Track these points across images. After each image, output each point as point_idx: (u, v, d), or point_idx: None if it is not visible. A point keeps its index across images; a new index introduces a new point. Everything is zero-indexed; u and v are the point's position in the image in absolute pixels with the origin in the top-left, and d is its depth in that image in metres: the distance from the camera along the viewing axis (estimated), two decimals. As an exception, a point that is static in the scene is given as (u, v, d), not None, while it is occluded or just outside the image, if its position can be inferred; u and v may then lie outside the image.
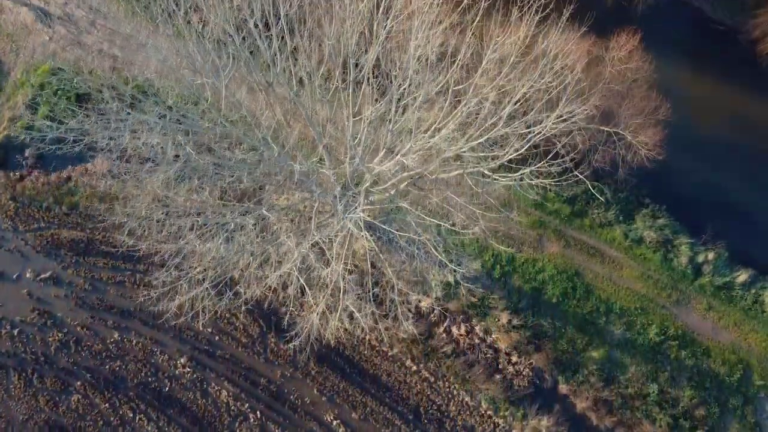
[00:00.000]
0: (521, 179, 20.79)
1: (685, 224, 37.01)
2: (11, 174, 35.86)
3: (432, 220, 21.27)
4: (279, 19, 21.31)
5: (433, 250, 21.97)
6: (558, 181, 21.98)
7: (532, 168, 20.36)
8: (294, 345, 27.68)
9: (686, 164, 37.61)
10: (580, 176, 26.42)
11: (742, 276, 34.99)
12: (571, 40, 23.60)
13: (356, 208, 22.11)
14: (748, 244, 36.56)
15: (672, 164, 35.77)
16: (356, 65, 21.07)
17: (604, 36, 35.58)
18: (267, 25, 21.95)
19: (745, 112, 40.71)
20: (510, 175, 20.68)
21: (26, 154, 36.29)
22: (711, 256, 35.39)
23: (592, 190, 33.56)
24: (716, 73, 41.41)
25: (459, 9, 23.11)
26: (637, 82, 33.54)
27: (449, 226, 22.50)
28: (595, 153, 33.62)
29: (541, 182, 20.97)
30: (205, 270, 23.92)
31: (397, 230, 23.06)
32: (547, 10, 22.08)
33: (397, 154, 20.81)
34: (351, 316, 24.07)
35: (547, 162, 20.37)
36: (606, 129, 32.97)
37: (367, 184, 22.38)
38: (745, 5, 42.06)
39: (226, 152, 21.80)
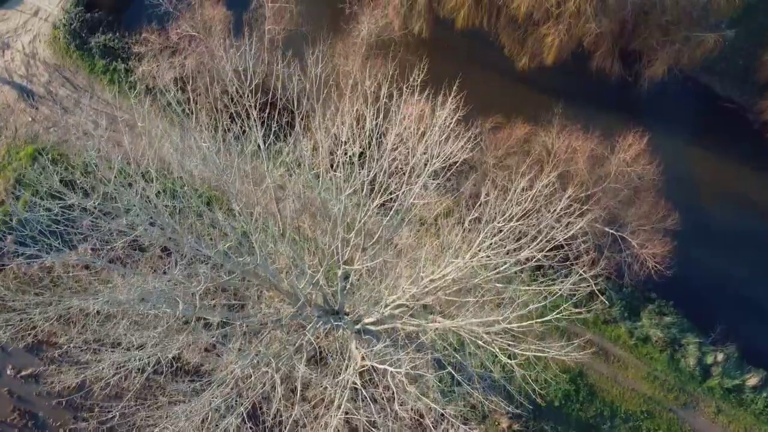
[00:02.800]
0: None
1: (693, 320, 35.18)
2: (-8, 263, 34.59)
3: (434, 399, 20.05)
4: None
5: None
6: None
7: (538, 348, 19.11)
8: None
9: (695, 254, 35.86)
10: (586, 276, 25.27)
11: (753, 379, 33.30)
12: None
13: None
14: (760, 342, 34.83)
15: (680, 254, 34.01)
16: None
17: (608, 129, 34.14)
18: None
19: (757, 196, 38.93)
20: (513, 345, 19.42)
21: (7, 241, 34.95)
22: (720, 357, 33.72)
23: (595, 290, 32.18)
24: (725, 154, 39.78)
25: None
26: (644, 184, 31.91)
27: (456, 415, 21.24)
28: (600, 256, 32.00)
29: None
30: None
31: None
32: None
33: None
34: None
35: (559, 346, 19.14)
36: (611, 231, 31.50)
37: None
38: (754, 83, 40.59)
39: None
